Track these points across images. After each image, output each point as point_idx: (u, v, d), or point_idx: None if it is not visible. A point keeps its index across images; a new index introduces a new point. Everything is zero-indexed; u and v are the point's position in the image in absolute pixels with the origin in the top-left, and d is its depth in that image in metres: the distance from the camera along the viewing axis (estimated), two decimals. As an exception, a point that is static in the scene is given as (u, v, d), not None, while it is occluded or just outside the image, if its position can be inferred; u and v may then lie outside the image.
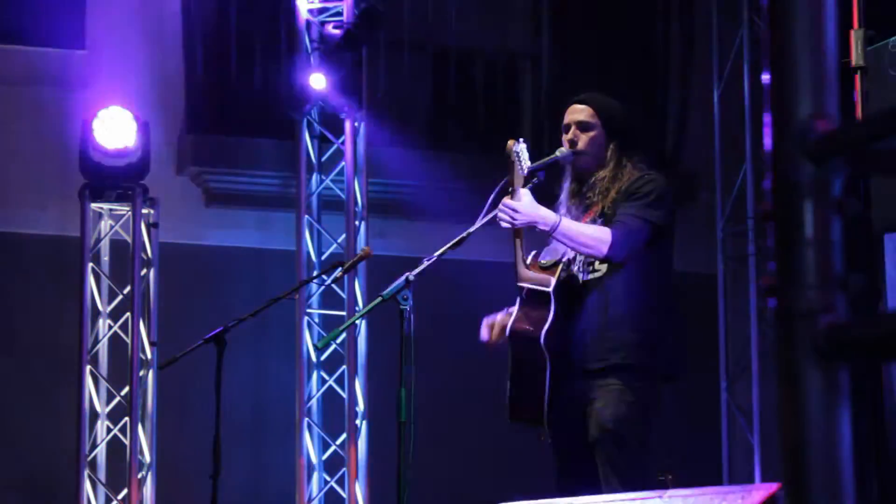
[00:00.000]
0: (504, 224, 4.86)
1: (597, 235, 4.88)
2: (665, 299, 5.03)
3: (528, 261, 5.01)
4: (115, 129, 8.15)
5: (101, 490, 8.28)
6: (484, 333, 5.11)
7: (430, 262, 4.87)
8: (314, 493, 8.57)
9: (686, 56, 9.87)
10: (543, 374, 4.88)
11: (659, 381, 4.98)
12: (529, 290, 4.96)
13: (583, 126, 5.09)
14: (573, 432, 4.97)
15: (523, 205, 4.82)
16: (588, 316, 4.96)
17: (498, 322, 5.08)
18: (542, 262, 5.02)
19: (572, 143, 5.08)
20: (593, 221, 4.99)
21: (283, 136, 8.98)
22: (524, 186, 4.94)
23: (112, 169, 8.20)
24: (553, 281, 4.93)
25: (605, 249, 4.86)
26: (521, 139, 4.91)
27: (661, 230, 4.98)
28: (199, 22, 9.04)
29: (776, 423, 1.49)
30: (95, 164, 8.20)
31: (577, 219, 5.02)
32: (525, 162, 4.88)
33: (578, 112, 5.14)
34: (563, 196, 5.13)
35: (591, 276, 4.99)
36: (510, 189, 4.87)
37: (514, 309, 5.01)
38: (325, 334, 7.53)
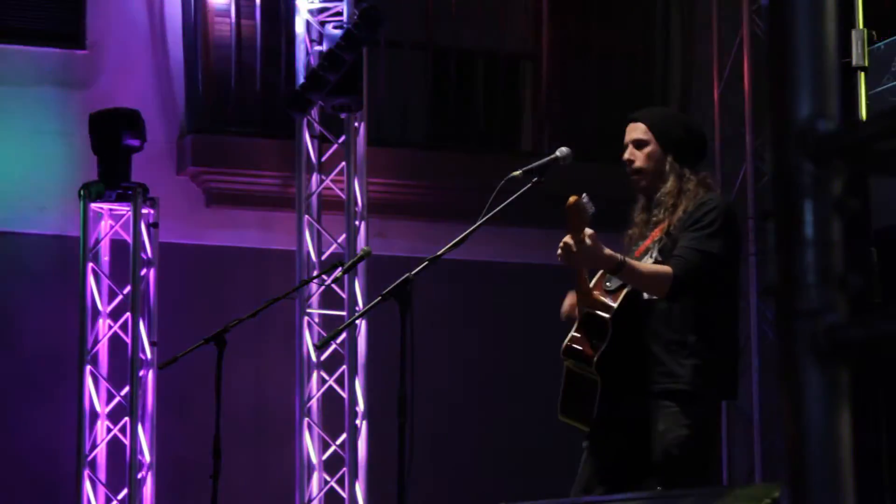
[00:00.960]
0: (562, 261, 4.81)
1: (658, 278, 4.84)
2: (726, 325, 5.01)
3: (594, 280, 5.00)
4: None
5: (101, 490, 8.29)
6: (567, 308, 5.09)
7: (430, 262, 4.86)
8: (314, 493, 8.57)
9: (686, 56, 9.87)
10: (594, 394, 4.88)
11: (714, 403, 4.98)
12: (589, 313, 4.95)
13: (638, 143, 5.08)
14: (620, 448, 4.97)
15: (585, 247, 4.71)
16: (648, 338, 4.93)
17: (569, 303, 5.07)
18: (608, 285, 5.00)
19: (629, 161, 5.07)
20: (656, 244, 4.97)
21: (283, 136, 8.99)
22: (526, 186, 4.93)
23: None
24: (614, 307, 4.91)
25: (666, 290, 4.84)
26: (583, 195, 4.81)
27: (722, 260, 4.93)
28: (199, 22, 9.04)
29: (777, 423, 1.49)
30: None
31: (640, 240, 5.01)
32: (590, 209, 4.78)
33: (633, 130, 5.12)
34: (634, 218, 5.12)
35: (653, 298, 4.98)
36: (575, 233, 4.73)
37: (573, 327, 4.99)
38: (325, 334, 7.53)
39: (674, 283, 4.82)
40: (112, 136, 8.15)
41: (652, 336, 4.93)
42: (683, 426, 4.86)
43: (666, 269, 4.85)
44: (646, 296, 4.98)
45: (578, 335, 4.96)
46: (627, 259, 4.84)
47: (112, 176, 8.19)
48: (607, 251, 4.80)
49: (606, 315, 4.90)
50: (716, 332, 4.96)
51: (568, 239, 4.74)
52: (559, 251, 4.77)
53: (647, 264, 4.92)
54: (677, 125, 5.12)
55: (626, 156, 5.08)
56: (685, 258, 4.87)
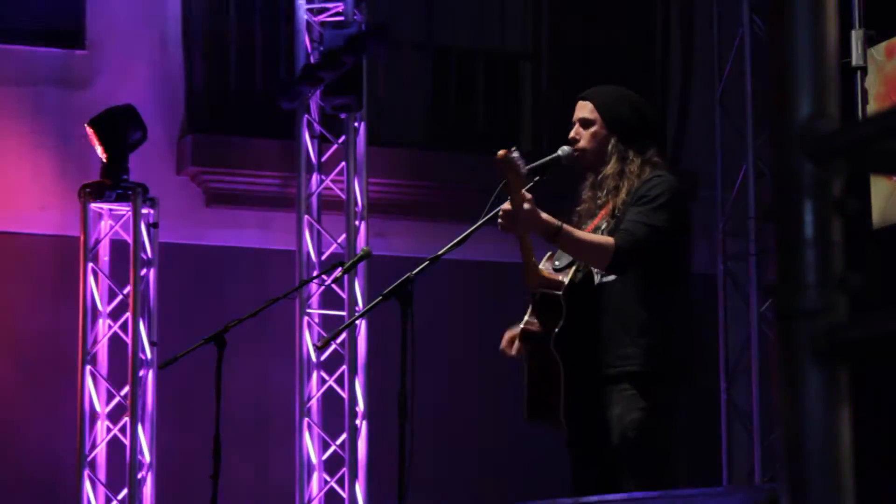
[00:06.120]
0: (503, 230, 4.77)
1: (598, 246, 4.78)
2: (679, 307, 4.98)
3: (542, 263, 4.96)
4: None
5: (101, 490, 8.29)
6: (505, 344, 5.06)
7: (430, 262, 4.85)
8: (314, 493, 8.57)
9: (686, 56, 9.87)
10: (558, 378, 4.84)
11: (673, 384, 4.95)
12: (542, 293, 4.91)
13: (584, 123, 5.06)
14: (588, 435, 4.95)
15: (523, 211, 4.67)
16: (601, 320, 4.90)
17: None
18: (556, 264, 4.96)
19: (574, 140, 5.05)
20: (604, 223, 4.95)
21: (283, 136, 8.99)
22: (525, 188, 4.90)
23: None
24: (565, 284, 4.88)
25: (607, 260, 4.77)
26: (512, 146, 4.77)
27: (669, 234, 4.90)
28: (199, 22, 9.05)
29: (776, 423, 1.49)
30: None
31: (589, 219, 4.99)
32: (522, 167, 4.72)
33: (581, 108, 5.10)
34: (583, 195, 5.09)
35: (605, 279, 4.93)
36: (514, 195, 4.68)
37: (527, 313, 4.97)
38: (325, 334, 7.53)
39: (616, 254, 4.74)
40: (116, 133, 8.15)
41: (605, 316, 4.89)
42: (639, 409, 4.84)
43: (607, 239, 4.79)
44: (598, 278, 4.94)
45: (534, 317, 4.92)
46: (565, 225, 4.79)
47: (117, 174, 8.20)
48: (545, 215, 4.74)
49: (559, 292, 4.86)
50: (669, 313, 4.92)
51: (507, 206, 4.67)
52: (499, 220, 4.69)
53: (587, 233, 4.87)
54: (625, 105, 5.06)
55: (572, 134, 5.05)
56: (630, 231, 4.80)
